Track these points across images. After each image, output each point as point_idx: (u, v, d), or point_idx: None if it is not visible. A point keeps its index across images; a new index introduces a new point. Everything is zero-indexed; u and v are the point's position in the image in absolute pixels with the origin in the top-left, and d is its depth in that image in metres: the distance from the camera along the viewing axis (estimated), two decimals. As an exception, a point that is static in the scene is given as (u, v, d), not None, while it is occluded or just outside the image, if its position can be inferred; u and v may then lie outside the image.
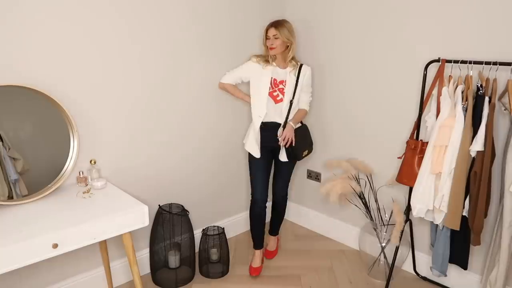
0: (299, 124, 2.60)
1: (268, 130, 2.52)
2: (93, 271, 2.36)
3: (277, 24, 2.45)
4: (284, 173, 2.70)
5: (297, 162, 2.72)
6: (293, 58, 2.51)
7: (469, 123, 2.00)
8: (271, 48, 2.45)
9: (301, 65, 2.53)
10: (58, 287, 2.23)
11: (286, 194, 2.76)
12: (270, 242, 2.87)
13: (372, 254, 2.65)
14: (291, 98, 2.50)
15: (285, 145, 2.48)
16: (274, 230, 2.85)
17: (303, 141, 2.57)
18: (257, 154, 2.55)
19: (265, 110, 2.49)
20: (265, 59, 2.53)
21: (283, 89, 2.50)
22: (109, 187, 2.12)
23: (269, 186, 2.68)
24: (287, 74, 2.50)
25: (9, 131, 1.90)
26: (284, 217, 2.90)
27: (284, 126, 2.49)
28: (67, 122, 2.04)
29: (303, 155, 2.59)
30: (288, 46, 2.49)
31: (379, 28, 2.53)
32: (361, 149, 2.78)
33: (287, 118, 2.50)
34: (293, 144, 2.48)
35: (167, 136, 2.54)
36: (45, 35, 1.94)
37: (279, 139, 2.48)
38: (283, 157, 2.56)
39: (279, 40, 2.43)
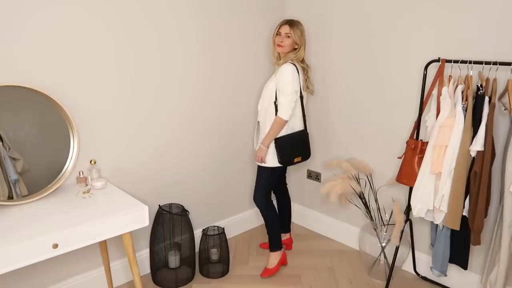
0: (283, 133, 2.43)
1: None
2: (93, 271, 2.36)
3: (292, 23, 2.40)
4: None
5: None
6: (302, 61, 2.47)
7: (469, 123, 1.99)
8: (279, 45, 2.41)
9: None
10: (58, 287, 2.23)
11: (255, 199, 2.60)
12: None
13: (372, 254, 2.65)
14: (275, 99, 2.40)
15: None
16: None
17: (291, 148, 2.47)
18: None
19: (259, 106, 2.55)
20: (275, 59, 2.52)
21: None
22: (109, 187, 2.12)
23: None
24: (275, 72, 2.47)
25: (9, 131, 1.90)
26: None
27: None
28: (67, 122, 2.04)
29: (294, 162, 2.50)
30: (295, 48, 2.44)
31: (379, 28, 2.53)
32: (361, 149, 2.78)
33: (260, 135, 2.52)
34: (265, 162, 2.46)
35: (167, 136, 2.54)
36: (45, 35, 1.94)
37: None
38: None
39: (290, 39, 2.39)
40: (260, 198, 2.58)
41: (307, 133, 2.58)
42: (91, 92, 2.15)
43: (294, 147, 2.49)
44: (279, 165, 2.48)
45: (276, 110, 2.40)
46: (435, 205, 2.12)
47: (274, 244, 2.65)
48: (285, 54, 2.45)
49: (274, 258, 2.64)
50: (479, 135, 1.95)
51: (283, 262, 2.70)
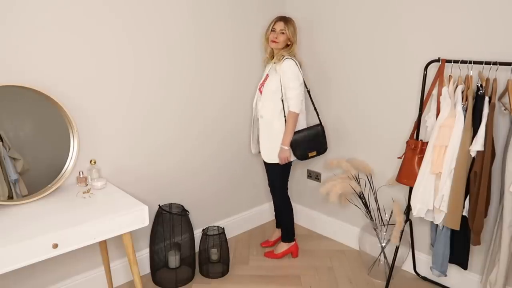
0: (303, 126, 2.57)
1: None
2: (93, 271, 2.36)
3: (286, 20, 2.48)
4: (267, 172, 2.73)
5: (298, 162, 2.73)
6: (295, 57, 2.51)
7: (469, 123, 2.00)
8: (273, 41, 2.47)
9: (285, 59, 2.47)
10: (58, 287, 2.23)
11: (274, 193, 2.77)
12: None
13: (372, 254, 2.65)
14: (281, 96, 2.46)
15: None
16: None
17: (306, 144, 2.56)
18: (252, 148, 2.74)
19: (254, 103, 2.66)
20: (268, 56, 2.58)
21: (264, 82, 2.56)
22: (109, 187, 2.12)
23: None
24: (273, 69, 2.51)
25: (9, 131, 1.90)
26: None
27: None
28: (67, 122, 2.04)
29: (309, 156, 2.58)
30: (288, 44, 2.51)
31: (379, 28, 2.53)
32: (361, 149, 2.78)
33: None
34: (290, 160, 2.54)
35: (167, 136, 2.54)
36: (45, 35, 1.94)
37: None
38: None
39: (284, 35, 2.45)
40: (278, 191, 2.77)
41: (321, 127, 2.62)
42: (91, 92, 2.15)
43: (305, 143, 2.54)
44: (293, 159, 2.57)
45: (283, 107, 2.47)
46: (435, 205, 2.12)
47: (288, 235, 2.84)
48: (278, 50, 2.51)
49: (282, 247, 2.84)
50: (479, 135, 1.95)
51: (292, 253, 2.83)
